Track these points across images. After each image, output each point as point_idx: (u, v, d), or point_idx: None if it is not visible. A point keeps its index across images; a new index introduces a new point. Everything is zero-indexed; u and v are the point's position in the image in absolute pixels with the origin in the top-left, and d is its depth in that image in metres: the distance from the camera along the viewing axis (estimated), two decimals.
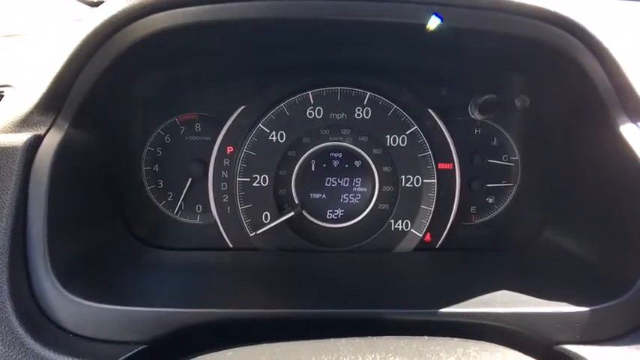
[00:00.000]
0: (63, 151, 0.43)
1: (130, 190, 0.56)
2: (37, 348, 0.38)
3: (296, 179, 0.56)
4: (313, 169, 0.57)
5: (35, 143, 0.43)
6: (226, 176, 0.57)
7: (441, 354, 0.32)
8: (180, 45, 0.46)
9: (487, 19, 0.42)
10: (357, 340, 0.36)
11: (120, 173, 0.54)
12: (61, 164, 0.43)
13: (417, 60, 0.54)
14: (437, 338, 0.35)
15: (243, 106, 0.56)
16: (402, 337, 0.35)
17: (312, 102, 0.56)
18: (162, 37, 0.40)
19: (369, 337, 0.36)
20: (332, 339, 0.35)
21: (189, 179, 0.58)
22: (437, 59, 0.54)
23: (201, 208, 0.58)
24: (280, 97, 0.56)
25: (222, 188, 0.57)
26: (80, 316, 0.40)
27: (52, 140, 0.43)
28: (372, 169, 0.57)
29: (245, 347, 0.34)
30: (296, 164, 0.56)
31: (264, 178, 0.56)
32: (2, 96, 0.49)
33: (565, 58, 0.45)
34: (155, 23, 0.39)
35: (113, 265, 0.47)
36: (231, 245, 0.56)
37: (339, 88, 0.55)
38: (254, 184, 0.56)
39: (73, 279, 0.41)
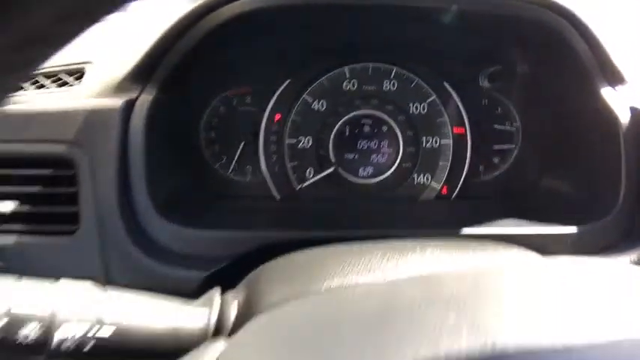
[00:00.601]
0: (151, 112, 0.53)
1: (192, 151, 0.67)
2: (150, 263, 0.49)
3: (333, 142, 0.67)
4: (347, 133, 0.67)
5: (129, 105, 0.53)
6: (275, 140, 0.67)
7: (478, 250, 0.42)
8: (254, 25, 0.56)
9: (499, 5, 0.54)
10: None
11: (186, 137, 0.65)
12: (151, 122, 0.53)
13: (435, 39, 0.65)
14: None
15: (289, 80, 0.67)
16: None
17: (347, 76, 0.66)
18: (246, 18, 0.50)
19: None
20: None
21: (242, 143, 0.68)
22: (450, 38, 0.65)
23: (251, 169, 0.69)
24: (320, 72, 0.66)
25: (271, 150, 0.67)
26: (179, 239, 0.51)
27: (142, 103, 0.53)
28: (396, 133, 0.68)
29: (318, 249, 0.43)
30: (333, 129, 0.67)
31: (308, 139, 0.66)
32: (83, 71, 0.59)
33: (556, 37, 0.56)
34: (243, 6, 0.50)
35: (196, 202, 0.58)
36: (278, 197, 0.67)
37: (370, 64, 0.66)
38: (299, 146, 0.66)
39: (169, 211, 0.52)
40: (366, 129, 0.68)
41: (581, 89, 0.58)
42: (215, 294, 0.37)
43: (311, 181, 0.66)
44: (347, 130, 0.67)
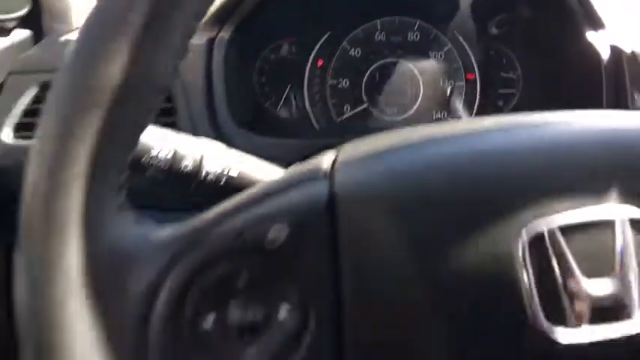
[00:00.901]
0: (227, 48, 0.67)
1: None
2: None
3: (365, 84, 0.80)
4: (377, 77, 0.81)
5: (210, 42, 0.67)
6: (317, 82, 0.81)
7: None
8: None
9: None
10: None
11: (247, 76, 0.79)
12: (226, 56, 0.66)
13: None
14: None
15: (329, 32, 0.80)
16: None
17: (378, 28, 0.79)
18: None
19: None
20: None
21: (289, 86, 0.82)
22: None
23: (296, 107, 0.82)
24: (356, 24, 0.79)
25: (314, 90, 0.81)
26: (254, 146, 0.64)
27: (220, 40, 0.67)
28: (418, 77, 0.81)
29: None
30: (366, 73, 0.80)
31: (346, 81, 0.80)
32: None
33: None
34: None
35: (259, 128, 0.72)
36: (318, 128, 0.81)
37: (397, 17, 0.79)
38: (338, 86, 0.80)
39: (245, 126, 0.65)
40: (393, 74, 0.81)
41: (570, 34, 0.71)
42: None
43: (347, 115, 0.79)
44: (377, 74, 0.81)
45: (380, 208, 0.28)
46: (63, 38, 0.73)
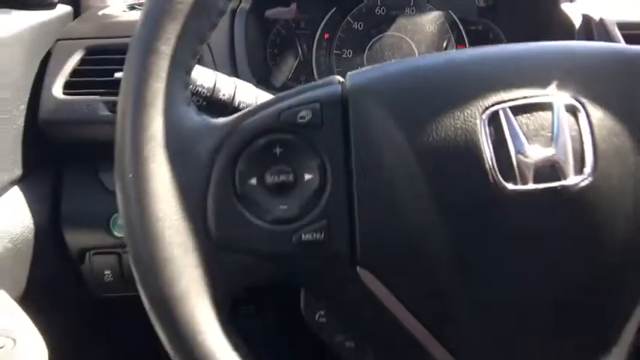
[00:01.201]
0: (247, 17, 0.77)
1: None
2: None
3: (367, 54, 0.90)
4: (377, 48, 0.91)
5: (233, 12, 0.77)
6: (324, 53, 0.90)
7: None
8: None
9: None
10: None
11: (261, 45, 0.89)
12: (246, 25, 0.77)
13: None
14: None
15: (335, 7, 0.90)
16: None
17: (378, 4, 0.89)
18: None
19: None
20: None
21: (298, 57, 0.91)
22: None
23: (305, 77, 0.92)
24: (359, 1, 0.89)
25: (322, 60, 0.90)
26: None
27: (241, 11, 0.77)
28: (414, 48, 0.91)
29: None
30: (368, 44, 0.90)
31: (349, 51, 0.90)
32: None
33: None
34: None
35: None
36: None
37: None
38: (343, 56, 0.90)
39: (263, 82, 0.75)
40: (391, 45, 0.91)
41: (547, 6, 0.81)
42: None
43: None
44: (377, 45, 0.90)
45: (378, 100, 0.38)
46: (100, 12, 0.83)
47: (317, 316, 0.43)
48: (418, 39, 0.90)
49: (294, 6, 0.89)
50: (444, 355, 0.40)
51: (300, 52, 0.90)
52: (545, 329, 0.39)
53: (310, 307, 0.43)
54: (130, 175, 0.35)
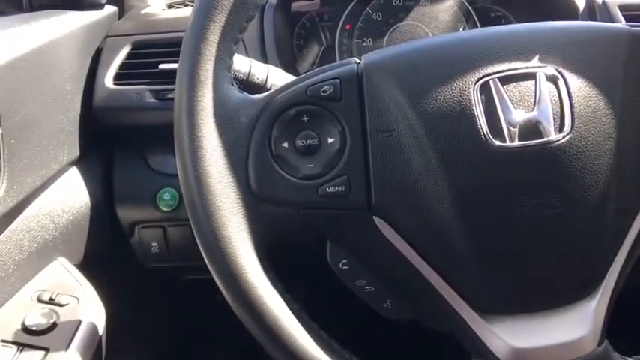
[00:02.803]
0: (274, 12, 0.85)
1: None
2: None
3: (386, 42, 0.97)
4: (395, 36, 0.97)
5: (263, 7, 0.84)
6: (346, 42, 0.98)
7: None
8: None
9: None
10: None
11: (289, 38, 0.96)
12: (274, 19, 0.84)
13: None
14: None
15: (355, 0, 0.97)
16: None
17: None
18: None
19: None
20: None
21: (322, 47, 0.99)
22: None
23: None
24: None
25: (344, 49, 0.98)
26: None
27: (270, 5, 0.85)
28: (430, 35, 0.97)
29: None
30: (387, 33, 0.97)
31: (370, 40, 0.97)
32: None
33: None
34: None
35: None
36: None
37: None
38: (363, 44, 0.97)
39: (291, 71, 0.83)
40: (408, 34, 0.97)
41: None
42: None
43: None
44: (395, 34, 0.97)
45: (387, 74, 0.45)
46: (142, 11, 0.92)
47: (341, 264, 0.50)
48: (434, 27, 0.97)
49: (319, 4, 0.96)
50: (454, 297, 0.47)
51: (324, 41, 0.97)
52: (537, 272, 0.46)
53: (335, 255, 0.50)
54: (187, 139, 0.43)
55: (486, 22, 0.97)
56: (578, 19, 0.82)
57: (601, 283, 0.47)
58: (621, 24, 0.50)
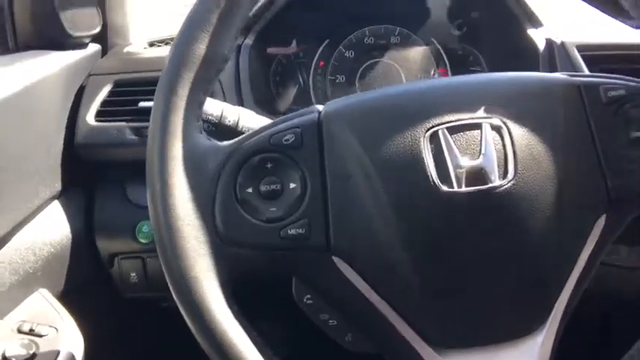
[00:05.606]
0: (250, 52, 0.89)
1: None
2: None
3: (358, 79, 1.01)
4: (367, 73, 1.02)
5: (238, 47, 0.88)
6: (320, 79, 1.02)
7: None
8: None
9: None
10: None
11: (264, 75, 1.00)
12: (250, 59, 0.88)
13: (425, 8, 1.00)
14: None
15: (328, 39, 1.01)
16: None
17: (367, 34, 1.00)
18: None
19: None
20: None
21: (298, 84, 1.03)
22: (436, 5, 1.00)
23: (302, 100, 1.03)
24: (350, 31, 1.01)
25: (318, 86, 1.02)
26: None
27: (245, 46, 0.89)
28: (400, 73, 1.02)
29: None
30: (359, 70, 1.01)
31: (343, 77, 1.01)
32: None
33: None
34: None
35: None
36: None
37: (382, 26, 1.00)
38: (336, 81, 1.01)
39: (266, 110, 0.87)
40: (380, 70, 1.02)
41: (515, 33, 0.92)
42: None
43: None
44: (367, 71, 1.02)
45: (344, 123, 0.49)
46: (125, 49, 0.95)
47: (305, 299, 0.53)
48: (405, 64, 1.01)
49: (294, 43, 1.01)
50: (409, 332, 0.50)
51: (300, 79, 1.02)
52: (486, 308, 0.49)
53: (299, 291, 0.53)
54: (158, 185, 0.46)
55: (456, 61, 1.02)
56: (538, 60, 0.87)
57: (547, 319, 0.50)
58: (560, 73, 0.54)
